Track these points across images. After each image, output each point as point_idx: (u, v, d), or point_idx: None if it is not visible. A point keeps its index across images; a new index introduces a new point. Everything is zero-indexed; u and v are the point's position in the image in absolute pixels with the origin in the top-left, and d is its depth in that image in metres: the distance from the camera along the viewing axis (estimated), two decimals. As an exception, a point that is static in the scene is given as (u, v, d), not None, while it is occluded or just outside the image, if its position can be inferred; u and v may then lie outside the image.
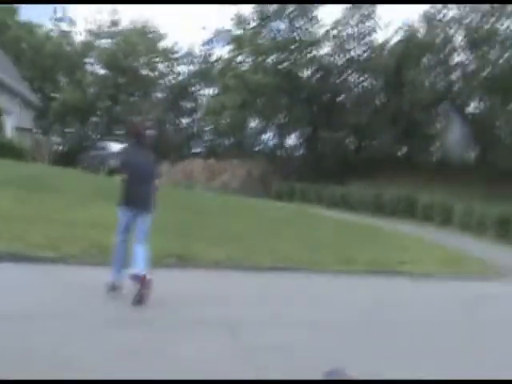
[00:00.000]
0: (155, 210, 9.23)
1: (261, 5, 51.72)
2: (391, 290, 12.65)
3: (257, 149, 57.96)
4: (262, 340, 7.36)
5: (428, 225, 28.55)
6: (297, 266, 13.10)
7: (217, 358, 6.67)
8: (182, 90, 63.60)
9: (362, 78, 51.50)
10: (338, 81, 51.41)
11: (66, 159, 44.60)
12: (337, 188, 37.46)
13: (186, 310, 8.69)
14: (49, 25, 67.04)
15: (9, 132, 33.78)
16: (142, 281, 8.45)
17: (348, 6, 48.61)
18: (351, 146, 51.50)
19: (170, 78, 65.76)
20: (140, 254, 8.79)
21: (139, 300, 8.39)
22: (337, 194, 36.59)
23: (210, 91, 64.44)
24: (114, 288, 8.92)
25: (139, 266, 8.61)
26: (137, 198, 9.05)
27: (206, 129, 63.32)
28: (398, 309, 10.56)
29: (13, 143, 31.79)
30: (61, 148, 59.58)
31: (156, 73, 65.04)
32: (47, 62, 59.12)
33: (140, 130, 9.76)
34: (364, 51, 50.70)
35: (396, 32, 48.01)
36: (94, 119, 63.15)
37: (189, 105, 65.46)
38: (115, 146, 37.19)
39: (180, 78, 65.38)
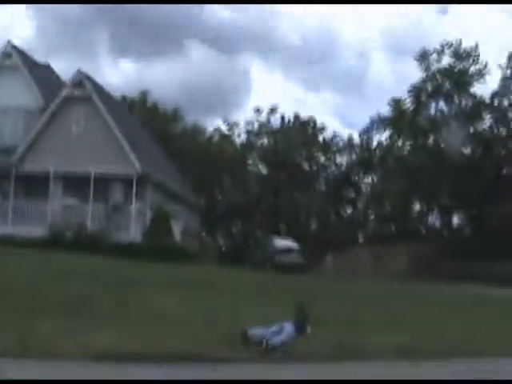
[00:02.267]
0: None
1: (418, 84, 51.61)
2: None
3: (422, 232, 57.05)
4: None
5: None
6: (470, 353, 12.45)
7: None
8: (343, 180, 63.98)
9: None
10: (502, 153, 50.13)
11: (233, 258, 45.34)
12: (508, 264, 35.78)
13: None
14: (210, 128, 69.64)
15: (177, 236, 34.75)
16: None
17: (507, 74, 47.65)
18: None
19: (332, 169, 66.35)
20: None
21: None
22: (509, 270, 34.90)
23: (371, 178, 64.55)
24: None
25: None
26: None
27: (370, 217, 63.10)
28: None
29: (181, 247, 32.72)
30: (227, 248, 60.80)
31: (317, 165, 65.79)
32: (210, 166, 60.99)
33: None
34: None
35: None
36: (258, 216, 64.24)
37: (351, 194, 65.62)
38: (280, 242, 37.66)
39: (342, 168, 65.85)
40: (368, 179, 65.68)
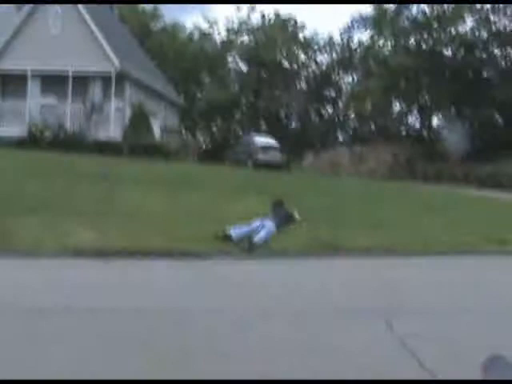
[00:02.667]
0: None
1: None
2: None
3: (402, 132, 57.14)
4: (419, 328, 7.05)
5: None
6: (448, 250, 12.64)
7: (370, 347, 6.46)
8: (324, 79, 63.48)
9: (509, 51, 49.59)
10: (482, 56, 49.81)
11: (213, 156, 45.38)
12: (486, 167, 36.01)
13: (337, 298, 8.50)
14: (189, 26, 68.61)
15: (156, 133, 34.62)
16: None
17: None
18: (500, 123, 49.60)
19: (312, 68, 65.77)
20: None
21: None
22: (486, 173, 35.18)
23: (352, 78, 64.16)
24: None
25: None
26: None
27: (351, 116, 62.98)
28: None
29: (160, 144, 32.63)
30: (207, 146, 60.72)
31: (297, 64, 65.18)
32: (190, 64, 60.41)
33: None
34: (510, 22, 48.80)
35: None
36: (238, 115, 64.00)
37: (332, 93, 65.26)
38: (260, 140, 37.62)
39: (322, 67, 65.29)
40: (348, 78, 65.30)
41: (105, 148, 29.00)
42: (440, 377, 5.47)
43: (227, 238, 11.55)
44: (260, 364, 5.70)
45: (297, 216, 13.38)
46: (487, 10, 48.60)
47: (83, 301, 7.61)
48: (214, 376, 5.30)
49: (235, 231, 11.75)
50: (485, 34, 49.75)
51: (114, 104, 32.58)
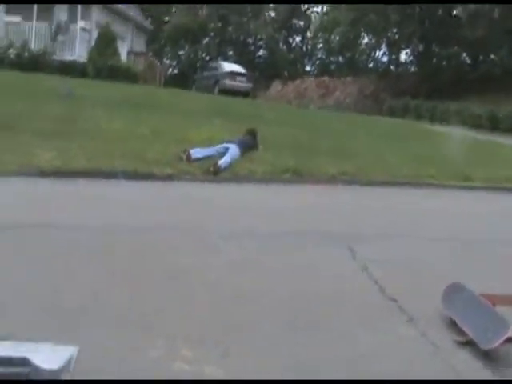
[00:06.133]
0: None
1: None
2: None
3: (370, 66, 56.98)
4: (381, 254, 7.14)
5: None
6: (410, 181, 12.74)
7: (336, 268, 6.57)
8: (293, 8, 62.67)
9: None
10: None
11: (180, 81, 44.99)
12: (451, 104, 36.04)
13: (302, 222, 8.57)
14: None
15: (123, 56, 34.16)
16: None
17: None
18: (467, 62, 49.54)
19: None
20: None
21: None
22: (451, 110, 35.19)
23: (321, 8, 63.41)
24: None
25: None
26: None
27: (319, 47, 62.55)
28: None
29: (127, 67, 32.18)
30: (173, 70, 60.07)
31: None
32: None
33: None
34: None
35: None
36: (206, 41, 63.23)
37: (301, 23, 64.60)
38: (228, 66, 37.36)
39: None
40: (317, 8, 64.50)
41: (70, 69, 28.54)
42: (399, 302, 5.57)
43: (189, 159, 11.54)
44: (223, 282, 5.78)
45: (260, 148, 13.41)
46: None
47: (35, 217, 7.58)
48: (169, 291, 5.36)
49: (197, 153, 11.75)
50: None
51: (80, 24, 31.94)
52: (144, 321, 4.78)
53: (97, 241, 6.78)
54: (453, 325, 5.10)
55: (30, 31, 31.38)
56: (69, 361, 3.86)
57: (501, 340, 4.51)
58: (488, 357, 4.56)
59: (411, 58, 54.10)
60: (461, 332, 4.92)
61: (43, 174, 9.97)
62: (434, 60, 47.88)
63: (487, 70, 44.04)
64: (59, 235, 6.83)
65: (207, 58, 60.00)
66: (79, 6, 31.38)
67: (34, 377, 3.34)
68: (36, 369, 3.42)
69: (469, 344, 4.75)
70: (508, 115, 30.66)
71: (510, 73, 40.63)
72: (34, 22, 31.41)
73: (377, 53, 57.78)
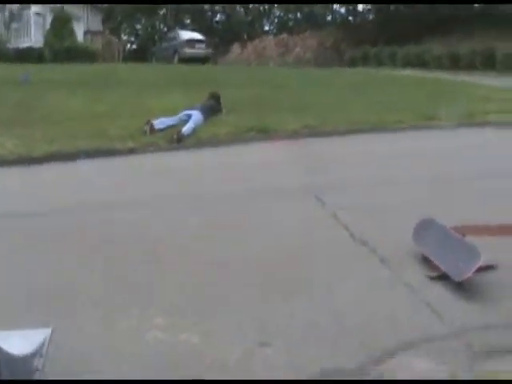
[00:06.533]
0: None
1: None
2: (481, 139, 11.96)
3: (328, 19, 56.78)
4: (349, 201, 7.13)
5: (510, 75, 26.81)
6: (375, 127, 12.70)
7: (305, 220, 6.57)
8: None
9: None
10: None
11: (139, 55, 44.63)
12: (411, 48, 35.82)
13: (271, 178, 8.57)
14: None
15: (80, 36, 33.82)
16: None
17: None
18: (424, 5, 49.22)
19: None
20: None
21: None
22: (411, 53, 34.94)
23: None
24: None
25: None
26: None
27: (275, 5, 62.17)
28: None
29: (84, 46, 31.83)
30: (132, 46, 59.59)
31: None
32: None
33: None
34: None
35: None
36: (163, 12, 62.62)
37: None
38: (185, 34, 37.07)
39: None
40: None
41: (26, 56, 28.18)
42: (370, 245, 5.58)
43: (153, 130, 11.47)
44: (193, 248, 5.76)
45: (223, 111, 13.36)
46: None
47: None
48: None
49: (160, 123, 11.69)
50: None
51: (33, 9, 31.52)
52: (118, 296, 4.76)
53: (70, 222, 6.75)
54: (425, 261, 5.12)
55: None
56: (42, 344, 3.84)
57: (472, 270, 4.52)
58: (461, 288, 4.57)
59: (369, 6, 53.82)
60: (433, 267, 4.93)
61: (4, 162, 9.87)
62: (392, 6, 47.60)
63: (444, 11, 43.86)
64: (27, 223, 6.77)
65: (165, 29, 59.44)
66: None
67: (5, 364, 3.32)
68: (7, 355, 3.40)
69: (442, 278, 4.76)
70: (467, 53, 30.54)
71: (466, 12, 40.69)
72: (-13, 12, 30.95)
73: (334, 5, 57.46)
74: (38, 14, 31.80)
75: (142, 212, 7.08)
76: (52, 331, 3.90)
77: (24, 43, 30.60)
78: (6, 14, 30.86)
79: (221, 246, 5.82)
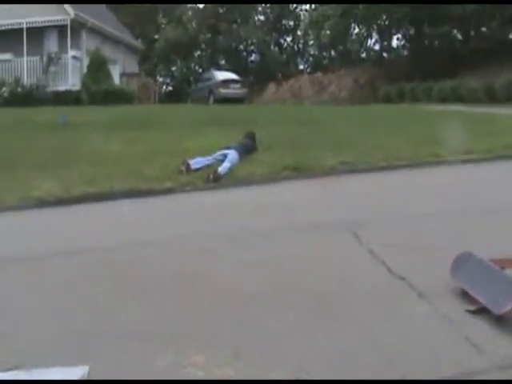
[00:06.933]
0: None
1: None
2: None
3: (362, 56, 56.86)
4: (386, 236, 7.09)
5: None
6: (412, 162, 12.64)
7: (342, 255, 6.56)
8: (282, 9, 62.69)
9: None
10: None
11: (175, 97, 45.14)
12: (446, 82, 35.74)
13: (308, 215, 8.54)
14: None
15: (116, 79, 34.31)
16: None
17: None
18: (458, 38, 49.16)
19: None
20: None
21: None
22: (446, 88, 34.88)
23: (309, 5, 63.31)
24: None
25: None
26: None
27: (310, 43, 62.56)
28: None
29: (120, 89, 32.30)
30: (168, 87, 60.22)
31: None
32: (145, 6, 59.38)
33: None
34: None
35: None
36: (198, 53, 63.38)
37: (290, 22, 64.66)
38: (221, 74, 37.39)
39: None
40: (306, 5, 64.46)
41: (64, 98, 28.82)
42: (407, 280, 5.54)
43: (189, 170, 11.53)
44: (233, 283, 5.76)
45: (259, 149, 13.41)
46: None
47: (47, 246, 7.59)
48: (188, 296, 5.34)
49: (197, 163, 11.75)
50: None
51: (70, 53, 32.08)
52: (155, 331, 4.77)
53: (109, 260, 6.82)
54: (464, 295, 5.06)
55: (22, 67, 31.55)
56: (80, 381, 3.87)
57: (512, 303, 4.47)
58: (502, 322, 4.52)
59: (403, 42, 53.88)
60: (472, 300, 4.88)
61: (43, 204, 9.98)
62: (426, 41, 47.60)
63: (479, 44, 43.70)
64: (71, 262, 6.85)
65: (200, 70, 60.06)
66: (68, 37, 31.44)
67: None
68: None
69: (481, 312, 4.71)
70: (504, 85, 30.35)
71: (501, 44, 40.42)
72: (25, 57, 31.59)
73: (368, 42, 57.61)
74: (75, 57, 32.36)
75: (180, 249, 7.12)
76: (90, 368, 3.93)
77: (62, 86, 31.15)
78: (45, 58, 31.43)
79: (258, 281, 5.82)
